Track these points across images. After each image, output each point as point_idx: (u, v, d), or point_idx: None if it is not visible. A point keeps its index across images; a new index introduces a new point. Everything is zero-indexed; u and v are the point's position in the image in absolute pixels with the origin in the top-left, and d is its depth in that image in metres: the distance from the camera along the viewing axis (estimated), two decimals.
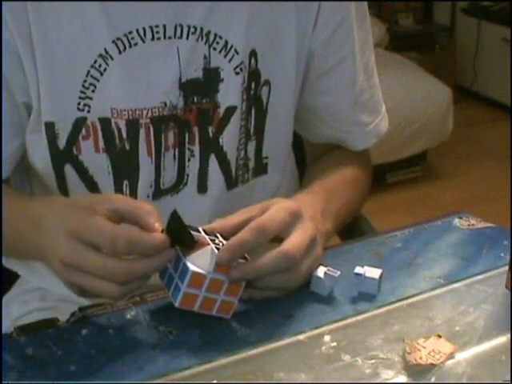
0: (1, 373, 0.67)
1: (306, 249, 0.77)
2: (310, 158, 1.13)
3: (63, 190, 0.94)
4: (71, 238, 0.72)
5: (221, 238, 0.76)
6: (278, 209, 0.78)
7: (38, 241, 0.78)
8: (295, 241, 0.76)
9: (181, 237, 0.73)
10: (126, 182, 0.93)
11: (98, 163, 0.92)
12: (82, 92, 0.88)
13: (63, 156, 0.91)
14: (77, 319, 0.76)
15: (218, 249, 0.74)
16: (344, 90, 1.00)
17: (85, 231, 0.72)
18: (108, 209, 0.73)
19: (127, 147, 0.91)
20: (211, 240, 0.75)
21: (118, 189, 0.93)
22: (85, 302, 0.93)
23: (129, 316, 0.76)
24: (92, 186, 0.93)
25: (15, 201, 0.89)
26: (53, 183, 0.94)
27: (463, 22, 4.27)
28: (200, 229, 0.76)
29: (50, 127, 0.89)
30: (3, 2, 0.83)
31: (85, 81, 0.87)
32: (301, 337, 0.73)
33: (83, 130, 0.90)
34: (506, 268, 0.81)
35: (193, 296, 0.73)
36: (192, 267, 0.72)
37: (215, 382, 0.67)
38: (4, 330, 0.76)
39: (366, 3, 0.99)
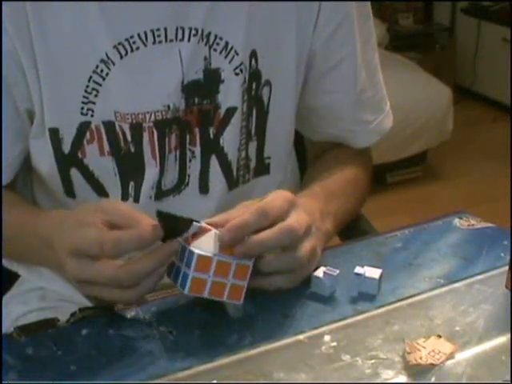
0: (1, 373, 0.67)
1: (306, 229, 0.78)
2: (311, 155, 1.13)
3: (70, 193, 0.94)
4: (71, 255, 0.73)
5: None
6: (276, 195, 0.79)
7: (54, 257, 0.78)
8: (296, 218, 0.77)
9: (175, 225, 0.73)
10: (132, 184, 0.93)
11: (103, 166, 0.92)
12: (84, 97, 0.88)
13: (68, 160, 0.92)
14: (77, 319, 0.76)
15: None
16: (345, 89, 1.00)
17: (79, 245, 0.73)
18: (103, 220, 0.74)
19: (132, 150, 0.91)
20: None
21: (124, 190, 0.94)
22: (85, 302, 0.94)
23: (129, 316, 0.76)
24: (99, 189, 0.93)
25: (24, 217, 0.89)
26: (59, 187, 0.94)
27: (463, 22, 4.26)
28: (202, 222, 0.77)
29: (54, 132, 0.90)
30: (4, 12, 0.83)
31: (87, 86, 0.87)
32: (301, 337, 0.73)
33: (87, 134, 0.90)
34: (506, 268, 0.81)
35: (201, 281, 0.73)
36: (197, 251, 0.73)
37: (215, 382, 0.67)
38: (4, 330, 0.76)
39: (368, 2, 0.99)
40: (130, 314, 0.77)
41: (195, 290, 0.73)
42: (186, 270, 0.73)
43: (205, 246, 0.74)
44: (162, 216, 0.72)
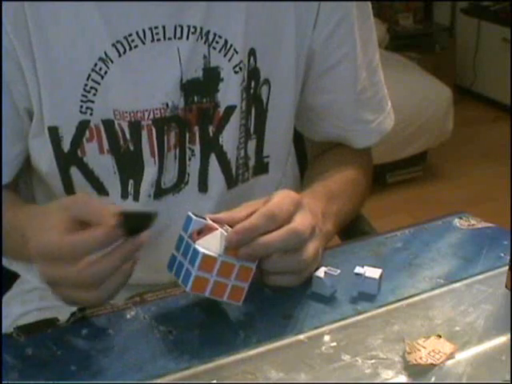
0: (1, 373, 0.67)
1: (311, 231, 0.78)
2: (311, 155, 1.13)
3: (70, 192, 0.94)
4: (38, 255, 0.73)
5: (227, 227, 0.76)
6: (283, 197, 0.78)
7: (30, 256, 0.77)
8: (301, 221, 0.77)
9: (137, 222, 0.72)
10: (131, 182, 0.93)
11: (103, 164, 0.92)
12: (83, 95, 0.88)
13: (68, 159, 0.92)
14: (77, 319, 0.76)
15: (227, 233, 0.74)
16: (345, 88, 1.00)
17: (41, 249, 0.72)
18: (67, 216, 0.73)
19: (131, 148, 0.91)
20: (219, 226, 0.75)
21: (124, 188, 0.94)
22: None
23: (129, 316, 0.76)
24: (98, 187, 0.93)
25: (13, 210, 0.89)
26: (58, 186, 0.94)
27: (463, 22, 4.26)
28: (206, 217, 0.77)
29: (53, 131, 0.90)
30: (2, 10, 0.83)
31: (86, 84, 0.87)
32: (301, 337, 0.73)
33: (87, 133, 0.90)
34: (506, 268, 0.81)
35: (204, 280, 0.73)
36: (203, 250, 0.72)
37: (215, 381, 0.67)
38: (4, 330, 0.76)
39: (369, 2, 0.99)
40: (130, 313, 0.77)
41: (197, 288, 0.73)
42: (189, 267, 0.73)
43: (210, 245, 0.73)
44: (124, 214, 0.71)
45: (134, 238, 0.72)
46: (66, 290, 0.73)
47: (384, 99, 1.05)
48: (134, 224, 0.72)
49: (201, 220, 0.75)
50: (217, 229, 0.75)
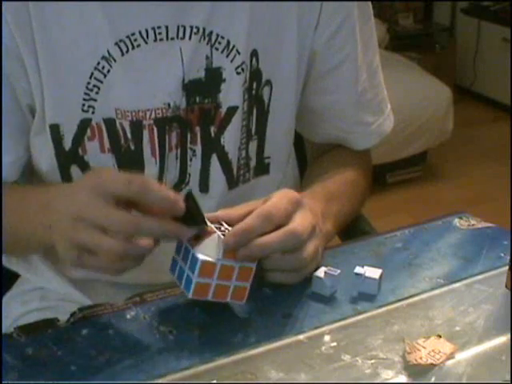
0: (1, 373, 0.67)
1: (310, 231, 0.78)
2: (310, 156, 1.13)
3: None
4: (76, 218, 0.72)
5: (226, 226, 0.76)
6: (280, 197, 0.78)
7: (46, 221, 0.78)
8: (300, 221, 0.77)
9: (192, 214, 0.72)
10: None
11: (103, 163, 0.92)
12: (85, 94, 0.88)
13: (69, 157, 0.92)
14: (77, 319, 0.76)
15: (224, 235, 0.74)
16: (346, 90, 1.00)
17: (102, 186, 0.72)
18: (121, 193, 0.72)
19: (132, 147, 0.91)
20: (217, 228, 0.75)
21: None
22: (85, 302, 0.94)
23: (129, 316, 0.76)
24: None
25: (22, 190, 0.90)
26: None
27: (463, 22, 4.26)
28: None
29: (54, 129, 0.90)
30: (5, 8, 0.83)
31: (88, 83, 0.87)
32: (301, 337, 0.73)
33: (88, 131, 0.90)
34: (506, 268, 0.81)
35: (205, 285, 0.73)
36: (201, 256, 0.72)
37: (215, 381, 0.67)
38: (4, 330, 0.76)
39: (370, 3, 0.99)
40: (130, 313, 0.77)
41: (199, 294, 0.73)
42: (189, 274, 0.73)
43: (208, 249, 0.73)
44: (190, 198, 0.71)
45: (189, 229, 0.72)
46: (94, 232, 0.71)
47: (384, 101, 1.05)
48: (193, 212, 0.72)
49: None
50: (214, 232, 0.74)
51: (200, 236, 0.74)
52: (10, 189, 0.90)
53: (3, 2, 0.84)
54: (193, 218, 0.73)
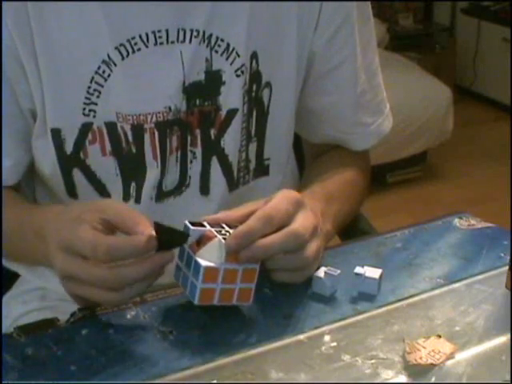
0: (1, 373, 0.67)
1: (312, 231, 0.78)
2: (309, 157, 1.13)
3: (72, 194, 0.94)
4: (62, 249, 0.73)
5: (227, 228, 0.76)
6: (281, 198, 0.78)
7: (44, 249, 0.78)
8: (302, 222, 0.77)
9: (171, 238, 0.73)
10: (133, 184, 0.93)
11: (105, 166, 0.92)
12: (86, 98, 0.88)
13: (70, 161, 0.92)
14: (77, 319, 0.76)
15: (225, 239, 0.74)
16: (345, 91, 1.00)
17: (71, 242, 0.72)
18: (100, 218, 0.73)
19: (133, 150, 0.91)
20: (217, 232, 0.75)
21: (126, 191, 0.94)
22: None
23: (129, 316, 0.76)
24: (100, 189, 0.93)
25: (21, 209, 0.89)
26: (61, 187, 0.94)
27: (463, 22, 4.26)
28: (204, 223, 0.76)
29: (56, 133, 0.90)
30: (5, 11, 0.83)
31: (89, 87, 0.87)
32: (301, 337, 0.73)
33: (89, 135, 0.90)
34: (506, 268, 0.81)
35: (210, 290, 0.73)
36: (204, 263, 0.72)
37: (215, 381, 0.67)
38: (4, 330, 0.76)
39: (369, 3, 0.99)
40: (130, 313, 0.77)
41: (205, 300, 0.73)
42: (193, 280, 0.73)
43: (210, 255, 0.73)
44: (160, 228, 0.71)
45: (164, 252, 0.72)
46: (84, 287, 0.72)
47: (383, 102, 1.05)
48: (168, 239, 0.72)
49: (198, 229, 0.75)
50: (215, 236, 0.74)
51: (201, 241, 0.74)
52: (8, 206, 0.89)
53: (3, 3, 0.84)
54: (171, 241, 0.73)
